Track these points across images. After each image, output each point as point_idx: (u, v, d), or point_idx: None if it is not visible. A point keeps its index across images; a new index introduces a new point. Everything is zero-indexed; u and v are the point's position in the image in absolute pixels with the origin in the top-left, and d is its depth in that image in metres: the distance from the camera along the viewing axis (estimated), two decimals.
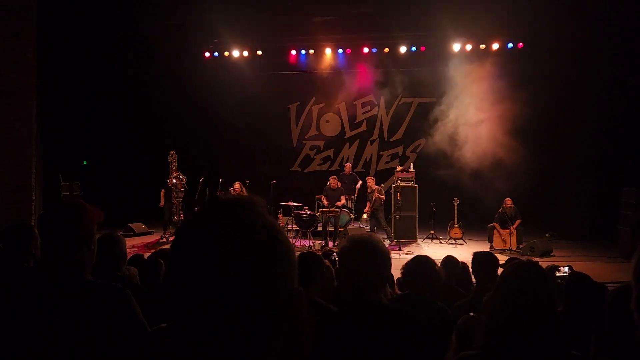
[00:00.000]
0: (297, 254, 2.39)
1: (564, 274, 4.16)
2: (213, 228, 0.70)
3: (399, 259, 8.35)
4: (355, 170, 14.84)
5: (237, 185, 10.83)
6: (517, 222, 10.10)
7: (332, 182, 11.01)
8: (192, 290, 0.68)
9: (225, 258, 0.67)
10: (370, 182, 11.08)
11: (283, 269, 0.73)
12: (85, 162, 13.53)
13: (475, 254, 3.59)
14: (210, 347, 0.68)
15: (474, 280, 3.84)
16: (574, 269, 4.72)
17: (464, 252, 8.69)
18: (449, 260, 4.15)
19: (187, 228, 0.74)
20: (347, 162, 13.77)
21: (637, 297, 1.34)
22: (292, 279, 0.75)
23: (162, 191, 11.37)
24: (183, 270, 0.70)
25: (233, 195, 0.78)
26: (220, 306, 0.67)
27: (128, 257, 3.60)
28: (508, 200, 10.36)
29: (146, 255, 5.17)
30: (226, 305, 0.67)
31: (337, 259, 4.21)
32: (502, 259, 3.80)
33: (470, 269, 3.69)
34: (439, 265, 3.13)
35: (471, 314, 2.40)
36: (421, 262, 3.02)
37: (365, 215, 11.57)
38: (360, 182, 11.93)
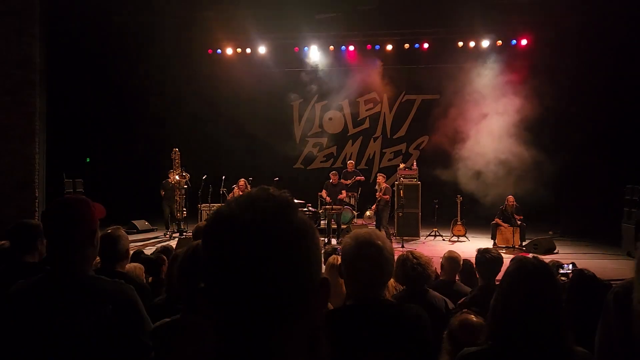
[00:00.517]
0: None
1: (567, 271, 4.14)
2: (243, 223, 0.71)
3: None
4: (358, 167, 14.82)
5: (242, 182, 10.83)
6: (519, 217, 10.09)
7: (333, 178, 11.01)
8: (220, 286, 0.70)
9: (251, 256, 0.68)
10: (381, 179, 11.02)
11: (314, 260, 0.74)
12: (88, 160, 13.55)
13: (479, 251, 3.58)
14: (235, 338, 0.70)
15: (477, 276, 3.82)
16: (578, 266, 4.70)
17: (467, 250, 8.67)
18: (450, 256, 4.13)
19: (218, 223, 0.74)
20: (349, 159, 13.75)
21: None
22: (320, 270, 0.76)
23: (162, 191, 11.38)
24: (217, 263, 0.71)
25: (261, 190, 0.77)
26: (245, 301, 0.68)
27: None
28: (510, 198, 10.34)
29: (149, 252, 5.19)
30: (251, 300, 0.68)
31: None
32: (505, 256, 3.78)
33: (475, 266, 3.67)
34: (429, 258, 3.10)
35: (464, 310, 2.38)
36: (410, 256, 3.00)
37: (368, 212, 11.56)
38: (362, 177, 11.93)
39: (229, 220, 0.72)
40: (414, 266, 2.95)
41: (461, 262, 4.14)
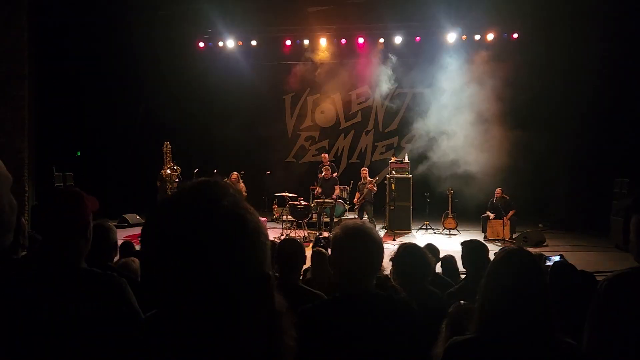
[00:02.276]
0: (279, 241, 2.36)
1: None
2: (174, 212, 0.70)
3: (394, 249, 8.38)
4: (350, 161, 14.86)
5: (234, 175, 10.81)
6: (511, 212, 10.15)
7: (325, 172, 11.01)
8: (158, 277, 0.68)
9: (187, 241, 0.67)
10: (364, 173, 11.07)
11: (249, 251, 0.71)
12: (78, 153, 13.45)
13: (464, 243, 3.63)
14: (183, 331, 0.68)
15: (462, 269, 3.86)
16: (567, 258, 4.76)
17: (458, 243, 8.73)
18: (430, 248, 4.19)
19: (152, 213, 0.73)
20: (340, 152, 13.75)
21: None
22: (262, 262, 0.73)
23: (158, 183, 11.33)
24: (150, 255, 0.69)
25: (196, 180, 0.77)
26: (186, 291, 0.66)
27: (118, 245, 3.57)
28: (498, 190, 10.42)
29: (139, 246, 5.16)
30: (191, 290, 0.66)
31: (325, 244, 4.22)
32: (496, 249, 3.83)
33: (460, 257, 3.71)
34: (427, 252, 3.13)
35: (462, 301, 2.41)
36: (410, 250, 3.02)
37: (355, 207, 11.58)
38: (335, 172, 11.93)
39: (167, 205, 0.72)
40: (407, 259, 2.97)
41: (439, 254, 4.20)
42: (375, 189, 10.77)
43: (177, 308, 0.67)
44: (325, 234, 10.24)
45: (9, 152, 8.56)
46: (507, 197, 10.39)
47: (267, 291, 0.73)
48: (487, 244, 3.79)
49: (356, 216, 11.73)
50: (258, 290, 0.71)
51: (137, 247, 4.75)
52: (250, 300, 0.70)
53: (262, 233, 0.74)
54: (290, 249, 2.76)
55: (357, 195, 10.96)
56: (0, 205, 0.96)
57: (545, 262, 4.16)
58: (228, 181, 0.77)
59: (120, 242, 3.48)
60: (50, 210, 1.78)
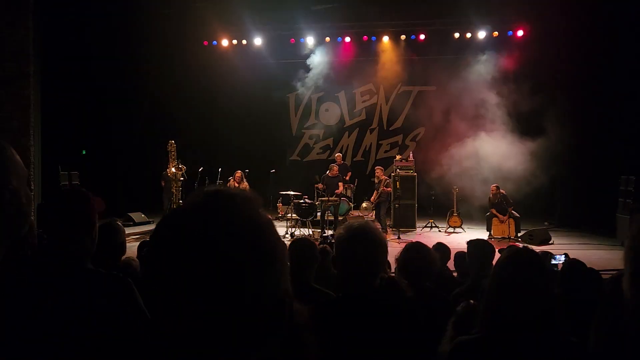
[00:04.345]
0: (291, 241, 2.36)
1: (559, 262, 4.18)
2: (204, 222, 0.67)
3: (399, 247, 8.37)
4: (355, 159, 14.84)
5: (238, 174, 10.83)
6: (509, 209, 10.12)
7: (334, 169, 10.98)
8: (175, 285, 0.64)
9: (215, 253, 0.64)
10: (379, 172, 11.05)
11: (274, 268, 0.69)
12: (84, 152, 13.50)
13: (470, 242, 3.62)
14: (197, 344, 0.65)
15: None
16: (573, 257, 4.74)
17: (463, 241, 8.71)
18: (440, 247, 4.17)
19: (175, 218, 0.70)
20: (345, 150, 13.72)
21: (631, 274, 1.34)
22: (284, 279, 0.71)
23: (163, 182, 11.36)
24: (166, 264, 0.65)
25: (227, 189, 0.74)
26: (206, 305, 0.63)
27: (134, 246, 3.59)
28: (492, 187, 10.33)
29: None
30: (213, 304, 0.63)
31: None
32: (500, 247, 3.81)
33: (466, 256, 3.70)
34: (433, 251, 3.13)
35: (471, 301, 2.40)
36: (416, 249, 3.02)
37: (365, 204, 11.57)
38: (349, 172, 11.92)
39: (190, 222, 0.69)
40: (412, 257, 2.97)
41: (449, 253, 4.20)
42: (390, 189, 10.73)
43: (190, 323, 0.64)
44: (330, 233, 10.25)
45: (15, 150, 8.60)
46: (504, 192, 10.32)
47: (286, 310, 0.71)
48: (492, 243, 3.78)
49: (361, 214, 11.73)
50: (280, 309, 0.69)
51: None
52: (272, 318, 0.68)
53: (285, 250, 0.73)
54: (303, 248, 2.77)
55: (375, 193, 10.99)
56: (19, 196, 0.97)
57: (550, 261, 4.15)
58: (254, 193, 0.75)
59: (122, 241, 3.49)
60: (55, 210, 1.79)
